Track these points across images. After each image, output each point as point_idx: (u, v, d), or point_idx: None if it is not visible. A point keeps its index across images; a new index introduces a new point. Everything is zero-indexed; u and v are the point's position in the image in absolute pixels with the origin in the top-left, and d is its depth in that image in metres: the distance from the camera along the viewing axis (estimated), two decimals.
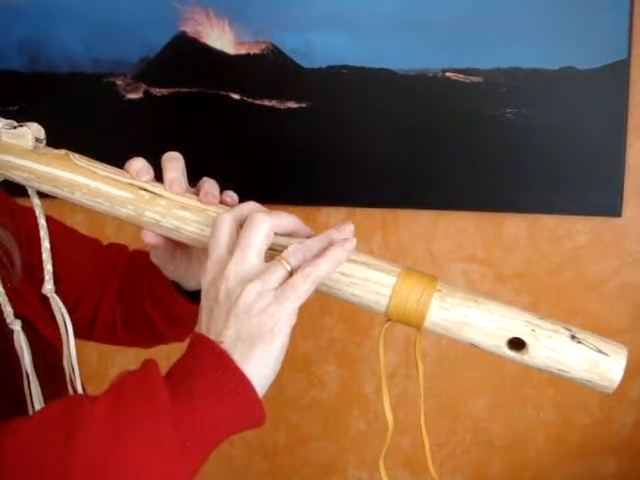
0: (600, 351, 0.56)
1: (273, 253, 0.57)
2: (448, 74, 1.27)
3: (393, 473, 1.40)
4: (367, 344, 1.41)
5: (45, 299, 0.75)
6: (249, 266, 0.54)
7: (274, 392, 1.71)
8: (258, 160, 1.35)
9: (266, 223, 0.56)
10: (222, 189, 1.44)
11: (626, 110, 1.25)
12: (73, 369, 0.72)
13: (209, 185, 0.64)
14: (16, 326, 0.67)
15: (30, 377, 0.66)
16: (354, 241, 0.57)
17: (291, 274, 0.55)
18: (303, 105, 1.32)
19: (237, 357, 0.52)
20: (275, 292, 0.53)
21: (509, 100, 1.26)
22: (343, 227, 0.58)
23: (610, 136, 1.26)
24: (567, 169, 1.28)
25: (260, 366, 0.53)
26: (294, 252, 0.55)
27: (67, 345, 0.72)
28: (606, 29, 1.22)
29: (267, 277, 0.54)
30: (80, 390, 0.72)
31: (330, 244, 0.57)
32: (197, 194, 0.64)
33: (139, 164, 0.64)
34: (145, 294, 0.79)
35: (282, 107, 1.32)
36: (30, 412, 0.65)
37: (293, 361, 1.45)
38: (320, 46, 1.29)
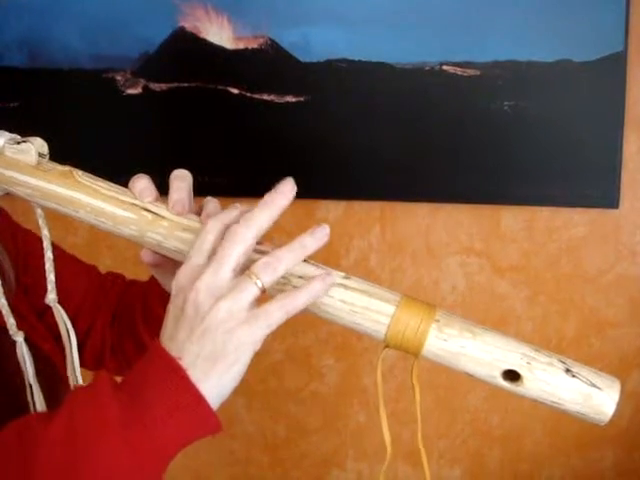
0: (594, 385, 0.57)
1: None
2: (445, 67, 1.27)
3: (394, 465, 1.41)
4: (366, 337, 1.42)
5: (42, 317, 0.76)
6: (221, 281, 0.53)
7: (274, 385, 1.71)
8: (257, 154, 1.36)
9: (246, 238, 0.54)
10: (222, 183, 1.45)
11: (623, 102, 1.25)
12: (76, 378, 0.73)
13: (211, 207, 0.63)
14: (19, 337, 0.67)
15: (33, 387, 0.66)
16: (334, 276, 0.57)
17: (263, 290, 0.54)
18: (301, 99, 1.32)
19: (196, 375, 0.52)
20: (247, 314, 0.52)
21: (506, 93, 1.27)
22: (317, 230, 0.56)
23: (607, 128, 1.27)
24: (564, 161, 1.29)
25: (218, 385, 0.52)
26: (264, 267, 0.53)
27: (70, 353, 0.73)
28: (602, 22, 1.23)
29: (238, 295, 0.52)
30: None
31: (302, 252, 0.56)
32: (200, 214, 0.63)
33: (142, 183, 0.63)
34: (138, 312, 0.79)
35: (280, 101, 1.33)
36: None
37: (293, 354, 1.46)
38: (318, 40, 1.29)
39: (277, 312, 0.53)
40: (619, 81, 1.25)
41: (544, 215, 1.34)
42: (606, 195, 1.29)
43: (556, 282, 1.36)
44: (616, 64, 1.24)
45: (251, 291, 0.53)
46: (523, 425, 1.42)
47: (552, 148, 1.28)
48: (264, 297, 0.55)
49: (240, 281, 0.53)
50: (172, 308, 0.55)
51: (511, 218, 1.35)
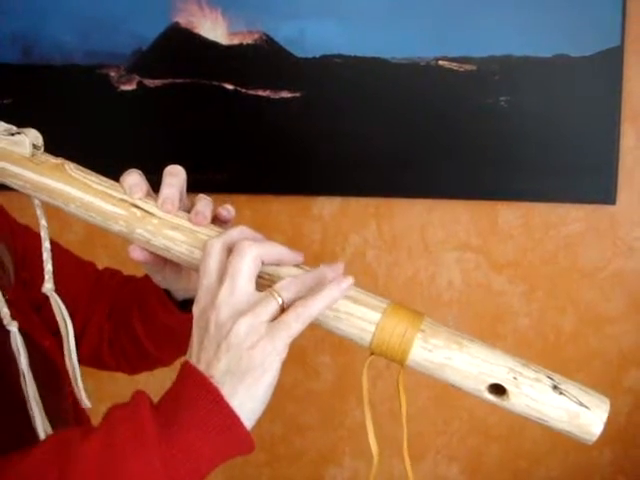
0: (581, 404, 0.55)
1: (262, 281, 0.57)
2: (441, 62, 1.27)
3: (390, 462, 1.40)
4: None
5: (40, 311, 0.76)
6: (239, 297, 0.54)
7: None
8: (252, 150, 1.35)
9: (253, 251, 0.55)
10: (216, 179, 1.44)
11: (620, 97, 1.25)
12: (74, 367, 0.73)
13: (202, 205, 0.63)
14: (13, 327, 0.67)
15: (26, 377, 0.66)
16: (350, 280, 0.57)
17: (282, 308, 0.54)
18: (297, 95, 1.31)
19: (226, 391, 0.52)
20: (267, 326, 0.53)
21: (502, 88, 1.26)
22: (336, 265, 0.59)
23: (604, 123, 1.26)
24: (561, 157, 1.28)
25: (249, 400, 0.53)
26: (288, 287, 0.55)
27: (67, 342, 0.73)
28: (599, 16, 1.22)
29: (259, 310, 0.53)
30: (81, 387, 0.73)
31: (322, 281, 0.57)
32: (190, 211, 0.63)
33: (133, 179, 0.63)
34: (134, 307, 0.79)
35: (276, 97, 1.32)
36: (31, 415, 0.65)
37: (288, 352, 1.45)
38: (313, 35, 1.29)
39: (295, 322, 0.54)
40: (616, 76, 1.24)
41: (541, 211, 1.33)
42: (603, 190, 1.28)
43: (553, 278, 1.35)
44: (613, 59, 1.23)
45: (272, 306, 0.54)
46: (521, 422, 1.42)
47: (549, 143, 1.28)
48: None
49: (261, 297, 0.54)
50: (196, 331, 0.56)
51: (508, 214, 1.34)
